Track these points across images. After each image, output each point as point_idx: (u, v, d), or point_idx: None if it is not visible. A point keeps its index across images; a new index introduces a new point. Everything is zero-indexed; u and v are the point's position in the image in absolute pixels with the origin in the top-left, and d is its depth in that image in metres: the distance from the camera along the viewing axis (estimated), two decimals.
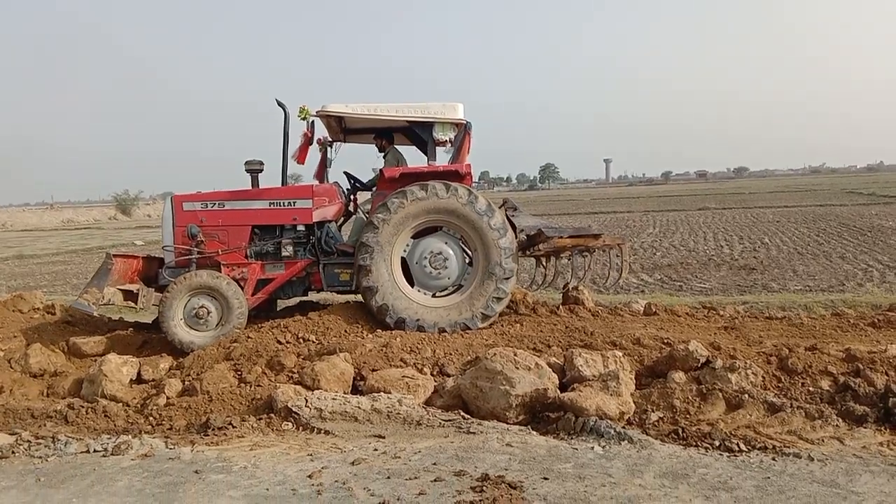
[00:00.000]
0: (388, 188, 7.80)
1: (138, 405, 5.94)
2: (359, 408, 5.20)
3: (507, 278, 7.52)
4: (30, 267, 21.64)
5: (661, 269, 15.00)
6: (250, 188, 8.20)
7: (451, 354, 6.44)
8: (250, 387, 5.96)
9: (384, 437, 4.90)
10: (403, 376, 5.69)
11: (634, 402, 5.21)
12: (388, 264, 7.53)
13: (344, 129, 8.70)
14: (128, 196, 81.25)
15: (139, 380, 6.52)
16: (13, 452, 4.93)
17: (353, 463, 4.48)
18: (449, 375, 6.00)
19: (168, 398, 5.93)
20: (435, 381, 5.88)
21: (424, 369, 6.08)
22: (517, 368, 5.21)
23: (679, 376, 5.55)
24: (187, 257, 7.89)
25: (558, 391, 5.26)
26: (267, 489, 4.16)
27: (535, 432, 4.87)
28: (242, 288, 7.80)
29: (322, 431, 5.07)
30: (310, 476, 4.30)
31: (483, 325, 7.47)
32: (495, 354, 5.35)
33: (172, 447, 4.94)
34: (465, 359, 6.32)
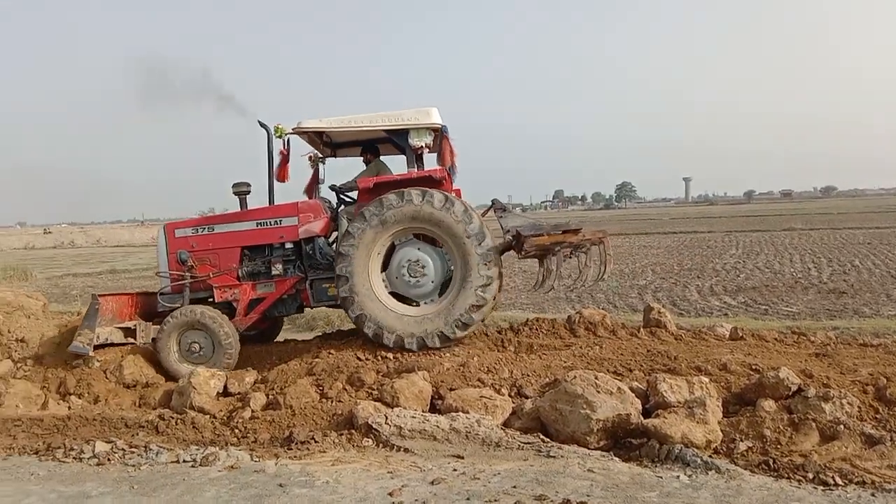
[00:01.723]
0: (367, 199, 7.69)
1: (225, 417, 6.12)
2: (437, 427, 5.21)
3: (486, 285, 7.29)
4: (122, 281, 22.65)
5: (745, 292, 14.53)
6: (238, 210, 8.37)
7: (528, 376, 6.39)
8: (331, 402, 6.07)
9: (463, 458, 4.89)
10: (482, 396, 5.67)
11: (722, 431, 5.03)
12: (366, 273, 7.44)
13: (330, 143, 8.69)
14: (213, 213, 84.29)
15: (225, 393, 6.72)
16: (109, 460, 5.16)
17: (432, 482, 4.48)
18: (527, 397, 5.95)
19: (253, 411, 6.09)
20: (513, 402, 5.83)
21: (502, 390, 6.05)
22: (598, 392, 5.11)
23: (769, 405, 5.34)
24: (180, 283, 8.12)
25: (641, 417, 5.13)
26: None
27: (617, 458, 4.77)
28: (235, 309, 8.06)
29: (401, 449, 5.10)
30: (390, 494, 4.33)
31: (462, 335, 7.31)
32: (576, 377, 5.27)
33: (257, 460, 5.07)
34: (543, 380, 6.25)
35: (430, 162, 8.39)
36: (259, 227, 8.23)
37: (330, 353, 7.09)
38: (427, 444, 5.13)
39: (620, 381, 5.63)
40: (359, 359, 6.91)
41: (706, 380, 5.66)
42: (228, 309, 8.14)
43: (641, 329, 7.98)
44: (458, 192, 8.07)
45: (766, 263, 20.06)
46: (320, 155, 8.66)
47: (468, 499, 4.21)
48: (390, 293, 7.67)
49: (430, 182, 7.63)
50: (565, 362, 6.75)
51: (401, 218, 7.41)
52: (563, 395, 5.19)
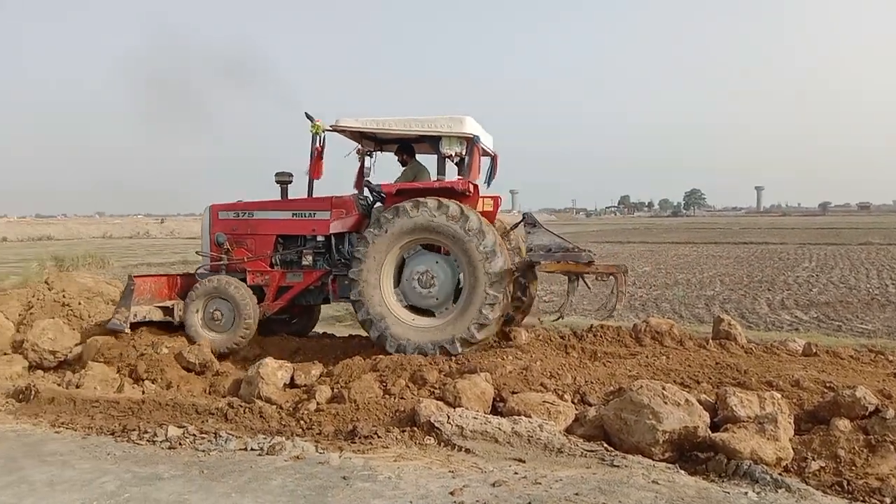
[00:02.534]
0: (392, 202, 7.72)
1: (291, 408, 6.25)
2: (499, 429, 5.21)
3: (492, 304, 7.21)
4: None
5: (818, 307, 14.05)
6: (279, 199, 8.61)
7: (592, 383, 6.32)
8: (394, 398, 6.13)
9: (524, 462, 4.88)
10: (544, 401, 5.64)
11: (793, 449, 4.88)
12: (377, 279, 7.49)
13: (374, 139, 8.68)
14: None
15: (292, 384, 6.86)
16: (180, 444, 5.34)
17: (493, 484, 4.48)
18: (591, 404, 5.89)
19: (318, 403, 6.20)
20: (576, 408, 5.78)
21: (565, 396, 6.00)
22: (665, 403, 5.02)
23: (844, 424, 5.14)
24: (218, 263, 8.50)
25: (709, 430, 5.02)
26: (410, 502, 4.25)
27: (683, 471, 4.67)
28: (265, 293, 8.34)
29: (463, 449, 5.12)
30: (451, 493, 4.35)
31: (463, 351, 7.21)
32: (642, 387, 5.19)
33: (322, 452, 5.16)
34: (607, 388, 6.18)
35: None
36: (294, 217, 8.48)
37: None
38: (488, 445, 5.13)
39: (688, 392, 5.51)
40: (422, 356, 6.97)
41: (778, 395, 5.49)
42: (259, 293, 8.42)
43: (710, 341, 7.80)
44: (494, 199, 8.13)
45: (840, 278, 19.34)
46: (366, 149, 8.70)
47: (529, 503, 4.20)
48: (406, 306, 7.79)
49: (452, 193, 7.62)
50: (630, 371, 6.65)
51: (414, 227, 7.44)
52: (629, 405, 5.12)
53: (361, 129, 8.10)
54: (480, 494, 4.33)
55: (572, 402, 5.94)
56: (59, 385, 7.01)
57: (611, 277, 7.88)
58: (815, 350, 7.48)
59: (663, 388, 5.14)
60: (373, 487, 4.49)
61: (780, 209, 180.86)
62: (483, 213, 7.94)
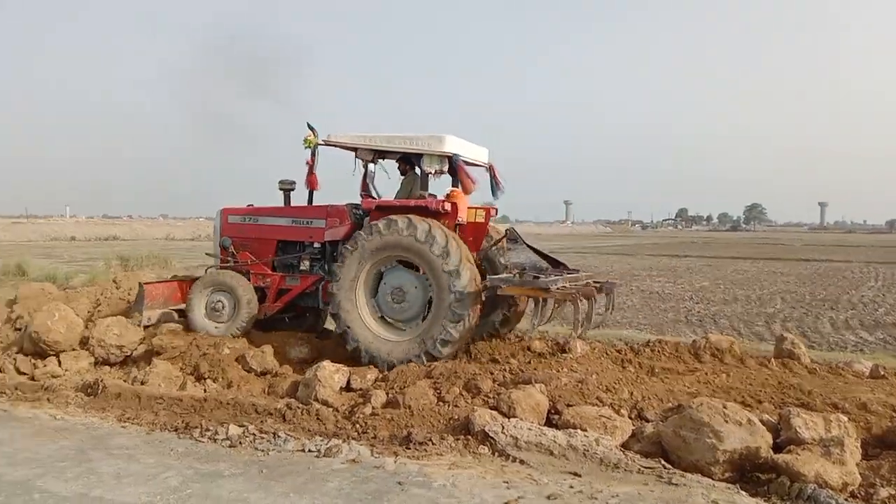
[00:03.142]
0: (377, 217, 8.00)
1: (346, 412, 6.32)
2: (555, 441, 5.17)
3: (455, 322, 7.35)
4: None
5: (885, 328, 13.60)
6: (280, 206, 9.07)
7: (650, 399, 6.22)
8: (448, 406, 6.15)
9: (580, 476, 4.83)
10: (600, 415, 5.58)
11: (860, 474, 4.71)
12: (353, 293, 7.83)
13: (372, 151, 8.73)
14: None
15: (348, 388, 6.94)
16: (240, 443, 5.47)
17: (548, 497, 4.46)
18: (648, 420, 5.80)
19: (374, 408, 6.25)
20: (633, 424, 5.70)
21: (622, 410, 5.92)
22: (726, 422, 4.91)
23: None
24: (225, 266, 9.04)
25: (771, 452, 4.89)
26: None
27: (744, 493, 4.56)
28: (266, 295, 8.81)
29: (517, 460, 5.10)
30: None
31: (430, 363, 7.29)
32: (702, 404, 5.09)
33: (377, 456, 5.21)
34: (665, 405, 6.08)
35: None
36: (293, 224, 8.95)
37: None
38: (543, 457, 5.10)
39: (749, 412, 5.37)
40: (477, 365, 6.98)
41: (844, 418, 5.31)
42: (261, 294, 8.89)
43: (772, 360, 7.61)
44: (487, 211, 8.35)
45: None
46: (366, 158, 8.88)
47: None
48: (381, 316, 8.07)
49: (427, 212, 7.85)
50: (689, 388, 6.54)
51: (384, 245, 7.74)
52: (688, 422, 5.02)
53: (349, 145, 8.42)
54: None
55: (629, 417, 5.86)
56: (124, 381, 7.24)
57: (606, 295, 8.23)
58: (883, 373, 7.22)
59: (724, 407, 5.03)
60: (427, 494, 4.51)
61: (844, 226, 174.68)
62: (474, 224, 8.33)
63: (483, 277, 7.98)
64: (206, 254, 10.01)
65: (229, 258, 9.19)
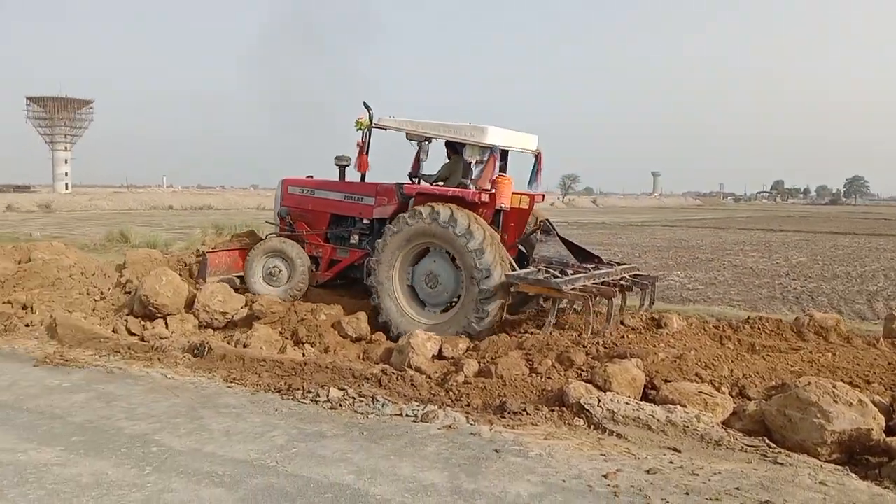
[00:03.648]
0: (420, 202, 8.18)
1: (439, 379, 6.41)
2: (653, 416, 5.11)
3: (480, 318, 7.52)
4: None
5: None
6: (336, 180, 9.46)
7: (751, 376, 6.04)
8: (540, 377, 6.15)
9: (679, 451, 4.76)
10: (700, 392, 5.46)
11: None
12: (390, 272, 8.16)
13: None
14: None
15: (440, 356, 7.05)
16: (340, 405, 5.65)
17: (648, 471, 4.42)
18: (750, 398, 5.64)
19: (466, 377, 6.32)
20: (734, 402, 5.56)
21: (722, 388, 5.78)
22: (835, 402, 4.72)
23: None
24: (283, 234, 9.53)
25: (883, 434, 4.69)
26: (563, 481, 4.28)
27: (853, 475, 4.40)
28: (318, 265, 9.30)
29: (614, 434, 5.07)
30: (605, 476, 4.33)
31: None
32: (810, 384, 4.90)
33: (473, 423, 5.29)
34: (767, 383, 5.89)
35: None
36: (346, 199, 9.35)
37: (537, 330, 7.19)
38: (641, 432, 5.05)
39: (859, 393, 5.15)
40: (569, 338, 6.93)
41: None
42: (315, 263, 9.38)
43: (881, 339, 7.25)
44: (531, 197, 8.42)
45: None
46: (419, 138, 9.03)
47: (687, 493, 4.11)
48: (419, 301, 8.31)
49: (462, 202, 7.98)
50: (792, 367, 6.31)
51: (423, 231, 7.95)
52: (794, 401, 4.86)
53: (398, 128, 8.65)
54: (635, 480, 4.29)
55: (730, 394, 5.71)
56: (228, 344, 7.57)
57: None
58: None
59: (833, 387, 4.84)
60: (525, 463, 4.55)
61: None
62: (517, 211, 8.43)
63: (522, 265, 8.23)
64: (267, 221, 10.53)
65: (287, 227, 9.65)
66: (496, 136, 8.12)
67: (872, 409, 4.77)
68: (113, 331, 8.22)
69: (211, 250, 9.77)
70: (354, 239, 9.27)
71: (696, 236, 32.20)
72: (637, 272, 9.01)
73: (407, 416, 5.44)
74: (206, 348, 7.13)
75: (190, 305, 8.64)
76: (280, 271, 9.20)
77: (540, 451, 4.74)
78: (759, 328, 7.59)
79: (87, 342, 7.55)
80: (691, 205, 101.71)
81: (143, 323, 8.42)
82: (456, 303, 8.08)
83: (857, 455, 4.72)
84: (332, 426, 5.21)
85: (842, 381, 5.82)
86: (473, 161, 8.37)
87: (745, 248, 25.49)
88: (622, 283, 8.36)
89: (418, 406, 5.60)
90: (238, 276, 9.54)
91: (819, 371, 6.19)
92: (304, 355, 7.30)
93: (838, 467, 4.51)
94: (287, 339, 7.76)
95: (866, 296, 14.17)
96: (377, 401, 5.65)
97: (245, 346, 7.41)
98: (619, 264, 8.84)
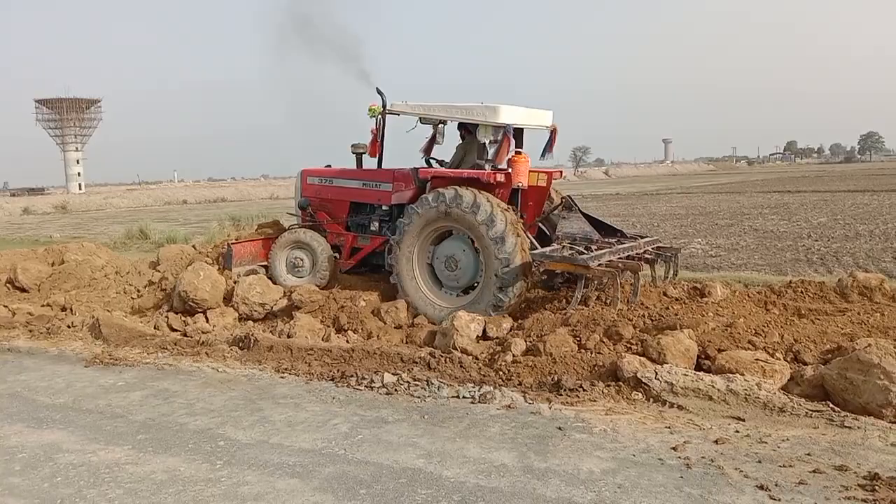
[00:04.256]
0: (436, 185, 8.19)
1: (486, 359, 6.43)
2: (713, 386, 5.10)
3: (497, 306, 7.51)
4: None
5: None
6: (353, 168, 9.48)
7: (803, 341, 6.01)
8: (590, 353, 6.14)
9: (743, 420, 4.76)
10: (756, 359, 5.44)
11: None
12: (410, 256, 8.15)
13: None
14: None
15: (484, 336, 7.06)
16: (396, 390, 5.69)
17: (715, 441, 4.43)
18: (806, 363, 5.62)
19: (514, 356, 6.33)
20: (790, 367, 5.54)
21: (776, 354, 5.75)
22: None
23: None
24: (305, 224, 9.53)
25: None
26: (633, 455, 4.29)
27: None
28: (341, 252, 9.34)
29: (675, 406, 5.08)
30: (674, 448, 4.35)
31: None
32: (870, 345, 4.89)
33: (531, 402, 5.31)
34: (820, 347, 5.86)
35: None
36: (364, 187, 9.35)
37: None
38: (702, 402, 5.05)
39: None
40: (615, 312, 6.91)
41: None
42: (337, 251, 9.39)
43: None
44: (549, 174, 8.36)
45: None
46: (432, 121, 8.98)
47: (759, 461, 4.11)
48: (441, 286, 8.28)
49: (477, 183, 7.96)
50: (843, 329, 6.27)
51: (439, 216, 7.91)
52: (855, 364, 4.84)
53: (411, 113, 8.60)
54: (704, 451, 4.30)
55: (785, 360, 5.69)
56: (272, 334, 7.62)
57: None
58: None
59: (895, 347, 4.81)
60: (591, 439, 4.57)
61: None
62: (535, 189, 8.36)
63: (545, 242, 8.20)
64: (288, 213, 10.51)
65: (308, 217, 9.70)
66: (509, 115, 8.07)
67: None
68: (155, 327, 8.29)
69: (236, 241, 9.79)
70: (374, 226, 9.28)
71: (713, 202, 31.96)
72: (659, 244, 8.96)
73: (464, 397, 5.47)
74: (253, 340, 7.18)
75: (228, 298, 8.69)
76: (303, 262, 9.25)
77: (604, 427, 4.76)
78: (802, 292, 7.52)
79: (132, 340, 7.62)
80: (704, 170, 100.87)
81: (183, 318, 8.48)
82: (476, 285, 8.05)
83: None
84: (392, 411, 5.25)
85: (894, 340, 5.79)
86: (487, 141, 8.35)
87: (763, 212, 25.28)
88: (646, 256, 8.33)
89: (474, 387, 5.63)
90: (263, 266, 9.58)
91: (870, 332, 6.14)
92: (347, 341, 7.34)
93: None
94: (329, 326, 7.79)
95: (892, 253, 14.02)
96: (432, 384, 5.68)
97: (289, 336, 7.45)
98: (641, 237, 8.81)
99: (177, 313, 8.65)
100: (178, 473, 4.29)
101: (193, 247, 10.52)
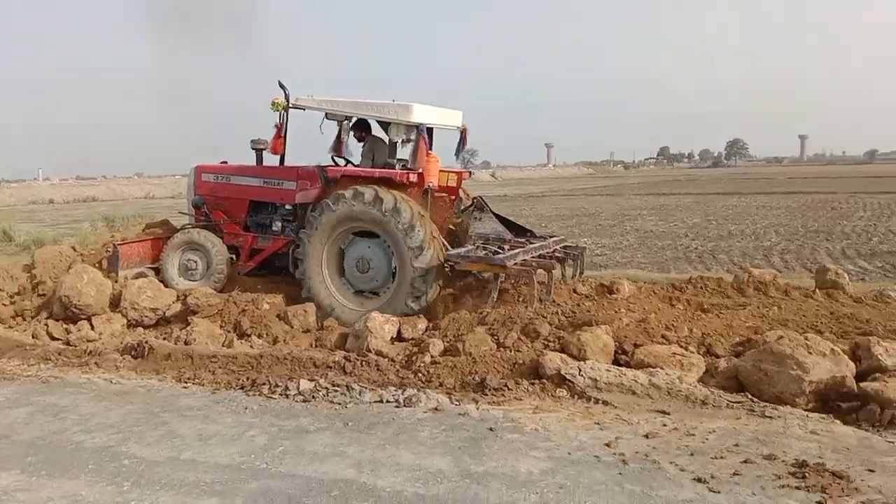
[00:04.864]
0: (345, 185, 7.91)
1: (403, 361, 6.22)
2: (636, 381, 5.15)
3: (417, 297, 7.42)
4: None
5: (881, 256, 13.77)
6: (253, 165, 9.02)
7: (712, 334, 6.20)
8: (509, 351, 6.08)
9: (669, 413, 4.83)
10: (673, 353, 5.56)
11: None
12: (318, 261, 7.85)
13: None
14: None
15: (399, 338, 6.86)
16: (313, 397, 5.39)
17: (646, 436, 4.46)
18: (718, 356, 5.79)
19: (433, 356, 6.17)
20: (705, 360, 5.68)
21: (689, 348, 5.90)
22: (810, 353, 4.91)
23: None
24: (199, 224, 8.98)
25: (854, 381, 4.91)
26: (568, 453, 4.24)
27: (838, 421, 4.59)
28: (238, 254, 8.86)
29: (600, 402, 5.08)
30: (607, 445, 4.33)
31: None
32: (782, 337, 5.09)
33: (457, 403, 5.18)
34: (729, 340, 6.07)
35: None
36: (265, 185, 8.88)
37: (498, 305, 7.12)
38: (626, 397, 5.09)
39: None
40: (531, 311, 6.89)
41: None
42: (235, 253, 8.90)
43: (816, 290, 7.63)
44: (459, 174, 8.40)
45: None
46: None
47: (692, 454, 4.16)
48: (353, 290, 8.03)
49: (391, 183, 7.76)
50: (746, 322, 6.53)
51: (348, 216, 7.69)
52: (769, 356, 5.02)
53: (317, 108, 8.26)
54: (637, 446, 4.30)
55: (698, 353, 5.84)
56: (168, 341, 7.09)
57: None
58: None
59: (806, 339, 5.04)
60: (523, 439, 4.48)
61: (824, 158, 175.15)
62: (445, 188, 8.28)
63: (455, 243, 8.07)
64: (180, 212, 9.93)
65: (203, 217, 9.14)
66: (422, 114, 7.91)
67: (844, 357, 4.98)
68: (33, 336, 7.56)
69: (122, 242, 9.11)
70: (277, 226, 8.81)
71: (595, 204, 33.18)
72: (566, 243, 9.11)
73: (388, 401, 5.25)
74: (147, 348, 6.65)
75: (115, 304, 8.04)
76: (197, 264, 8.73)
77: (534, 426, 4.69)
78: (702, 287, 7.82)
79: (9, 351, 6.88)
80: (584, 174, 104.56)
81: (65, 326, 7.78)
82: (389, 288, 7.85)
83: (830, 402, 4.93)
84: (312, 420, 4.96)
85: (797, 332, 6.07)
86: (399, 140, 8.14)
87: (642, 213, 26.47)
88: (556, 254, 8.43)
89: (396, 391, 5.42)
90: (152, 268, 8.98)
91: (771, 325, 6.43)
92: (251, 347, 6.94)
93: (823, 416, 4.71)
94: (230, 332, 7.34)
95: (762, 251, 15.01)
96: (353, 389, 5.42)
97: (188, 343, 6.94)
98: (550, 237, 8.92)
99: (57, 320, 7.91)
100: (80, 498, 3.83)
101: (73, 248, 9.67)
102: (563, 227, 21.01)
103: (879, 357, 5.03)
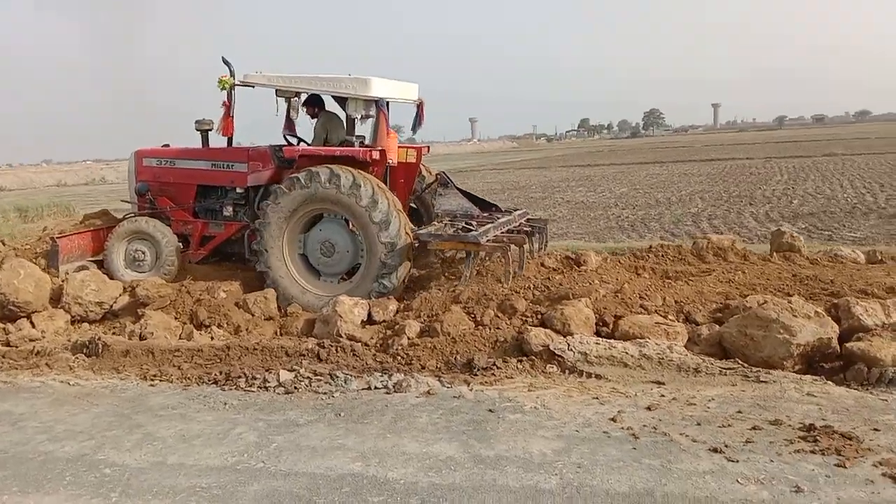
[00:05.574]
0: (304, 163, 7.59)
1: (378, 344, 6.03)
2: (626, 353, 5.13)
3: (387, 275, 7.17)
4: None
5: (803, 218, 14.43)
6: (199, 147, 8.56)
7: (685, 302, 6.22)
8: (488, 329, 5.96)
9: (664, 384, 4.82)
10: (657, 323, 5.56)
11: None
12: (278, 248, 7.50)
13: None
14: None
15: (370, 321, 6.64)
16: (296, 388, 5.14)
17: (648, 408, 4.42)
18: (698, 323, 5.82)
19: (410, 339, 5.99)
20: (686, 328, 5.71)
21: (669, 316, 5.92)
22: (795, 316, 4.99)
23: None
24: (142, 213, 8.50)
25: (837, 342, 5.02)
26: (576, 431, 4.16)
27: (831, 382, 4.67)
28: (188, 242, 8.46)
29: (592, 375, 5.03)
30: (612, 419, 4.27)
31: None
32: (766, 302, 5.15)
33: (449, 386, 5.03)
34: (705, 307, 6.08)
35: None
36: (213, 168, 8.42)
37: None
38: (618, 370, 5.05)
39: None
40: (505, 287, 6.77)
41: None
42: (185, 241, 8.49)
43: (774, 254, 7.81)
44: (418, 150, 8.16)
45: (815, 189, 19.89)
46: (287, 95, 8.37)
47: (698, 423, 4.14)
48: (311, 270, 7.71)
49: (353, 161, 7.46)
50: (715, 288, 6.60)
51: (308, 198, 7.33)
52: (755, 321, 5.07)
53: (268, 86, 7.85)
54: (642, 419, 4.26)
55: (677, 321, 5.86)
56: (120, 336, 6.66)
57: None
58: (880, 257, 7.54)
59: (790, 302, 5.11)
60: (526, 419, 4.38)
61: (736, 125, 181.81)
62: (405, 165, 8.00)
63: (417, 221, 7.84)
64: (122, 200, 9.41)
65: (147, 204, 8.65)
66: (380, 88, 7.58)
67: (828, 319, 5.08)
68: None
69: (61, 234, 8.52)
70: (228, 211, 8.39)
71: (524, 177, 33.47)
72: (529, 216, 9.03)
73: (376, 388, 5.05)
74: (101, 345, 6.20)
75: (56, 299, 7.49)
76: (145, 255, 8.25)
77: (533, 405, 4.59)
78: (662, 255, 7.90)
79: None
80: (509, 148, 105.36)
81: (2, 325, 7.19)
82: (355, 272, 7.57)
83: (815, 364, 5.02)
84: (300, 412, 4.71)
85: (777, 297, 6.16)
86: (358, 116, 7.80)
87: (570, 185, 26.85)
88: (524, 228, 8.34)
89: (383, 376, 5.21)
90: (94, 261, 8.47)
91: (740, 289, 6.53)
92: (212, 339, 6.59)
93: (815, 378, 4.77)
94: (187, 323, 6.96)
95: (691, 218, 15.44)
96: (337, 377, 5.19)
97: (143, 338, 6.54)
98: (514, 210, 8.81)
99: None
100: None
101: (2, 242, 9.00)
102: (496, 201, 20.90)
103: (860, 317, 5.16)
